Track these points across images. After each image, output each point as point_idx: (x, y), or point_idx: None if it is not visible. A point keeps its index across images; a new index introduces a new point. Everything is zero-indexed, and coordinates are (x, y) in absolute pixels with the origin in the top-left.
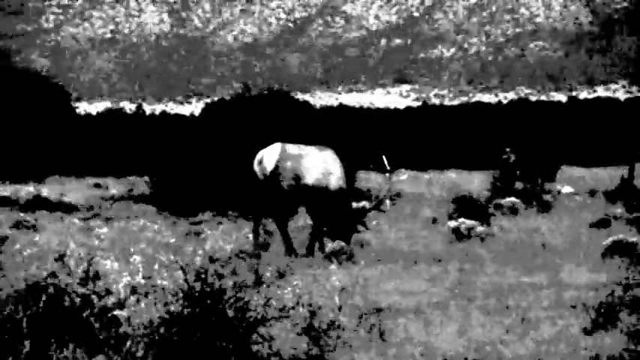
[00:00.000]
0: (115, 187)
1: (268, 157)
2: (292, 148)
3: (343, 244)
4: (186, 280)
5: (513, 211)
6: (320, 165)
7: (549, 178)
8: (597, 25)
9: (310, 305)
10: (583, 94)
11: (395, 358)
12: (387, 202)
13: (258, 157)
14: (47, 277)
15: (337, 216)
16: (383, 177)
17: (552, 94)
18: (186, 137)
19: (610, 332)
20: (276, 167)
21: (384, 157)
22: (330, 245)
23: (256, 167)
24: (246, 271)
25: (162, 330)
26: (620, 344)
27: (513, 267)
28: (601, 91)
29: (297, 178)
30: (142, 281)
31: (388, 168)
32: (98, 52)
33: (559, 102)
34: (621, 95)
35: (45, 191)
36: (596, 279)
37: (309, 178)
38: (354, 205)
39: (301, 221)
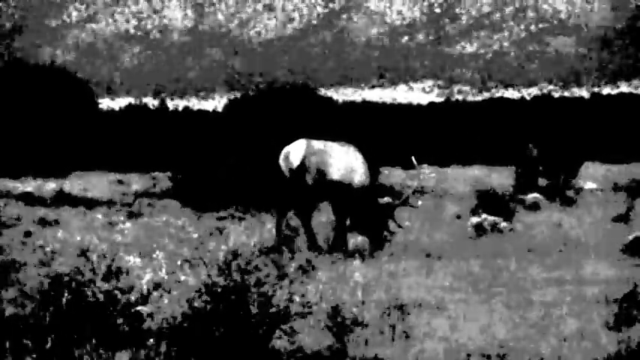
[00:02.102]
0: (138, 182)
1: (294, 152)
2: (317, 144)
3: (366, 239)
4: (209, 276)
5: (536, 206)
6: (344, 161)
7: (572, 174)
8: (620, 20)
9: (333, 301)
10: (606, 90)
11: (418, 354)
12: (416, 199)
13: (284, 152)
14: (70, 273)
15: (364, 212)
16: (410, 174)
17: (575, 90)
18: (209, 133)
19: (632, 328)
20: (302, 163)
21: (413, 157)
22: (352, 241)
23: (282, 163)
24: (269, 267)
25: (185, 326)
26: None
27: (536, 262)
28: (624, 87)
29: (322, 173)
30: (166, 277)
31: (417, 166)
32: (122, 47)
33: (581, 98)
34: None
35: (68, 187)
36: (619, 274)
37: (334, 174)
38: (380, 200)
39: (324, 217)
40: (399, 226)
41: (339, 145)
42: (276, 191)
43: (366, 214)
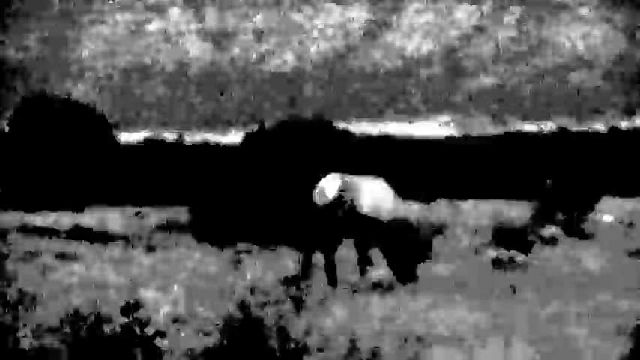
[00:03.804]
0: (155, 216)
1: (329, 187)
2: (350, 179)
3: (387, 272)
4: (227, 310)
5: (554, 240)
6: (375, 195)
7: (590, 207)
8: (637, 54)
9: (351, 334)
10: (623, 124)
11: None
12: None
13: (319, 187)
14: (88, 306)
15: (395, 246)
16: (426, 208)
17: (592, 123)
18: (227, 167)
19: None
20: (338, 197)
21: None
22: (371, 275)
23: (316, 197)
24: (287, 301)
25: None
26: None
27: (554, 296)
28: None
29: (354, 207)
30: (183, 311)
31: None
32: (138, 80)
33: (598, 132)
34: None
35: (86, 220)
36: (636, 308)
37: (365, 208)
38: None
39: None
40: (429, 258)
41: (369, 180)
42: (303, 226)
43: (398, 247)
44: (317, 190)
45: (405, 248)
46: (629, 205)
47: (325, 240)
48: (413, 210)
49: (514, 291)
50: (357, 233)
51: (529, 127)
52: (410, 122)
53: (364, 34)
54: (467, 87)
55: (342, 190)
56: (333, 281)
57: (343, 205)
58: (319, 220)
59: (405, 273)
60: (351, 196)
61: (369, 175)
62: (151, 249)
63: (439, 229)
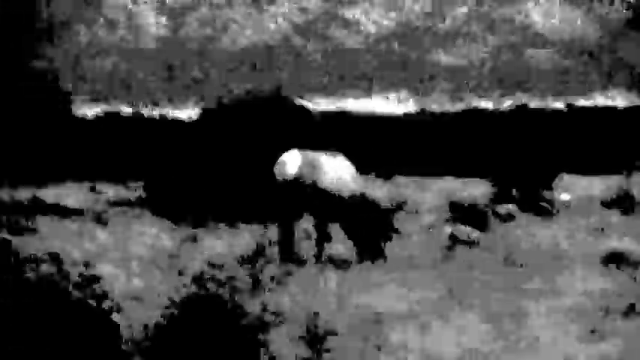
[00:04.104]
0: (111, 191)
1: (290, 162)
2: (311, 154)
3: (342, 249)
4: (184, 286)
5: (511, 217)
6: (337, 171)
7: (547, 185)
8: (597, 32)
9: (308, 311)
10: (581, 102)
11: None
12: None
13: (279, 162)
14: (42, 281)
15: (357, 221)
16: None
17: (551, 101)
18: (184, 142)
19: (608, 341)
20: (298, 172)
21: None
22: (327, 251)
23: (277, 173)
24: (243, 277)
25: (158, 335)
26: (618, 353)
27: (511, 273)
28: (600, 99)
29: (315, 183)
30: (139, 286)
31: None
32: (96, 55)
33: (558, 109)
34: (620, 103)
35: (43, 195)
36: (594, 287)
37: (327, 183)
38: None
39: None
40: (396, 232)
41: (330, 155)
42: (263, 202)
43: (360, 222)
44: (277, 166)
45: (367, 224)
46: (586, 182)
47: (285, 216)
48: (373, 186)
49: (470, 268)
50: (317, 209)
51: (487, 104)
52: (368, 98)
53: (323, 10)
54: (425, 64)
55: (303, 166)
56: (291, 257)
57: (304, 181)
58: (279, 196)
59: (368, 249)
60: (312, 171)
61: (328, 151)
62: (106, 224)
63: (398, 206)
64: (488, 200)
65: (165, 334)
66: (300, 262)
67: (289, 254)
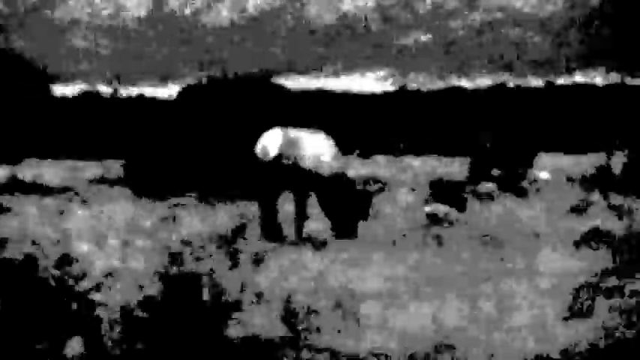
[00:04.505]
0: (91, 170)
1: (272, 141)
2: (291, 132)
3: (320, 227)
4: (162, 264)
5: (489, 196)
6: (317, 149)
7: (527, 164)
8: (576, 10)
9: (286, 290)
10: (561, 80)
11: (369, 343)
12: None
13: (261, 141)
14: (21, 260)
15: (337, 199)
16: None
17: (530, 79)
18: (163, 121)
19: (585, 320)
20: (280, 151)
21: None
22: (307, 229)
23: (259, 152)
24: (222, 256)
25: (138, 313)
26: (596, 332)
27: (490, 253)
28: (579, 77)
29: (297, 161)
30: (118, 264)
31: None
32: (76, 34)
33: (537, 88)
34: (600, 81)
35: (21, 173)
36: (572, 266)
37: (307, 161)
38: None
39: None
40: (375, 211)
41: (311, 133)
42: (251, 180)
43: (340, 201)
44: (259, 145)
45: (346, 203)
46: (566, 161)
47: (265, 193)
48: (353, 165)
49: (448, 247)
50: (297, 187)
51: (466, 83)
52: (347, 77)
53: None
54: (404, 42)
55: (284, 145)
56: (272, 235)
57: (286, 159)
58: (260, 174)
59: (345, 228)
60: (294, 150)
61: (309, 129)
62: (86, 202)
63: (377, 184)
64: (468, 179)
65: (143, 312)
66: (282, 240)
67: (270, 232)
